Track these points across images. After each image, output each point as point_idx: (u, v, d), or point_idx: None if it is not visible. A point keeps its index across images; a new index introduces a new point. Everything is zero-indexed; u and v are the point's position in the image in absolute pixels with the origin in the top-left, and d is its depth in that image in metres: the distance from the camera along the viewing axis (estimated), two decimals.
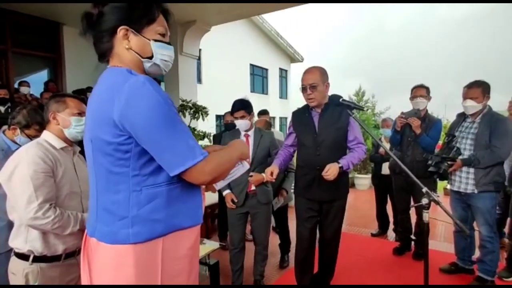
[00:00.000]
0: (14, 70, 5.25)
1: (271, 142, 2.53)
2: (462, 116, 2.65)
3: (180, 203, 0.97)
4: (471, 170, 2.45)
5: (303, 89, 2.11)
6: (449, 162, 2.45)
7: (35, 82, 5.52)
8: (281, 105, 16.39)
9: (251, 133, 2.49)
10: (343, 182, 2.20)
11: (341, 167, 2.00)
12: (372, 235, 3.98)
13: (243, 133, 2.48)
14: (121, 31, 0.94)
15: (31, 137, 1.85)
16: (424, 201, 1.54)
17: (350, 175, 7.46)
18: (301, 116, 2.25)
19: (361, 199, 6.22)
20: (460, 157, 2.46)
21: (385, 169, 3.63)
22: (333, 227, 2.26)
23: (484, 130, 2.43)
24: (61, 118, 1.47)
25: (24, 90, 4.62)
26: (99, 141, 0.90)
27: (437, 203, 1.53)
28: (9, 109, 3.92)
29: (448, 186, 2.96)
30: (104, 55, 0.99)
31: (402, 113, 2.91)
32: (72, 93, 5.09)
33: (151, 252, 0.92)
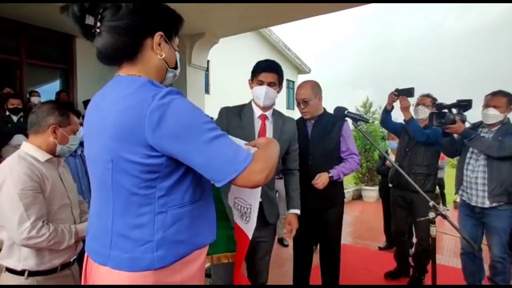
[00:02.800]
0: (27, 80, 5.41)
1: (294, 133, 1.87)
2: (476, 127, 2.48)
3: (201, 221, 0.93)
4: (486, 181, 2.30)
5: (298, 104, 2.21)
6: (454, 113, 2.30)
7: (48, 92, 5.67)
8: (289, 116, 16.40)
9: (269, 114, 1.80)
10: (336, 191, 2.24)
11: (331, 177, 2.06)
12: (380, 248, 3.90)
13: (258, 113, 1.76)
14: (158, 36, 0.87)
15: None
16: (431, 215, 1.51)
17: (357, 187, 7.44)
18: (298, 124, 2.29)
19: (368, 211, 6.14)
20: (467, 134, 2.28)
21: None
22: (331, 237, 2.25)
23: (499, 135, 2.27)
24: (60, 134, 1.38)
25: (35, 99, 4.74)
26: (123, 161, 0.80)
27: (445, 217, 1.50)
28: (21, 119, 4.01)
29: (458, 199, 2.78)
30: (120, 58, 0.87)
31: (396, 89, 2.66)
32: (83, 102, 5.24)
33: (171, 275, 0.87)
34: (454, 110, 2.37)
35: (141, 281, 0.83)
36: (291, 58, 16.02)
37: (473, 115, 2.51)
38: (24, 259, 1.29)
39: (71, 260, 1.44)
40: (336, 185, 2.18)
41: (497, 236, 2.29)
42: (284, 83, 16.82)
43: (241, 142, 1.11)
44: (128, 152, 0.79)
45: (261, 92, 1.68)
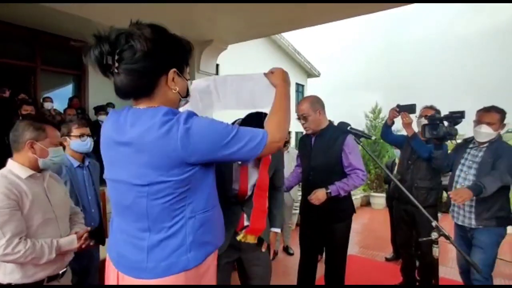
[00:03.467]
0: (41, 86, 5.56)
1: (280, 155, 1.86)
2: (468, 143, 2.38)
3: (218, 224, 1.07)
4: (473, 203, 2.19)
5: (298, 119, 2.23)
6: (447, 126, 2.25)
7: (61, 97, 5.82)
8: (298, 120, 16.34)
9: None
10: (341, 206, 2.18)
11: (329, 193, 2.03)
12: (387, 259, 3.85)
13: None
14: (171, 74, 0.94)
15: (79, 136, 2.02)
16: (434, 235, 1.49)
17: (366, 194, 7.34)
18: (303, 140, 2.37)
19: (377, 219, 6.05)
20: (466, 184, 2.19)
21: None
22: (336, 251, 2.23)
23: (487, 158, 2.17)
24: (39, 148, 1.40)
25: (47, 105, 4.87)
26: (159, 184, 0.90)
27: (448, 238, 1.48)
28: None
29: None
30: (138, 94, 0.94)
31: (398, 105, 2.62)
32: (94, 109, 5.35)
33: (201, 273, 0.99)
34: (446, 123, 2.33)
35: (176, 282, 0.93)
36: (301, 62, 15.99)
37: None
38: (10, 273, 1.33)
39: (60, 272, 1.48)
40: (341, 200, 2.12)
41: (482, 254, 2.15)
42: (293, 87, 16.82)
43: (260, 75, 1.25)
44: (165, 176, 0.89)
45: None
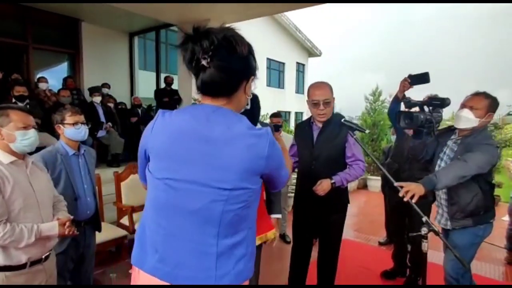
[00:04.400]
0: (34, 65, 5.43)
1: None
2: (451, 131, 2.10)
3: None
4: (445, 202, 2.01)
5: (315, 104, 2.08)
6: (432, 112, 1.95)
7: (55, 76, 5.70)
8: (298, 100, 16.19)
9: None
10: (340, 197, 2.19)
11: (333, 183, 2.03)
12: (380, 243, 3.91)
13: None
14: (251, 80, 1.00)
15: (73, 124, 1.97)
16: (423, 231, 1.49)
17: (362, 176, 7.39)
18: (302, 128, 2.29)
19: (372, 202, 6.13)
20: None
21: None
22: (331, 243, 2.25)
23: (461, 151, 1.90)
24: (5, 133, 1.43)
25: (42, 85, 4.78)
26: (239, 190, 0.90)
27: (437, 234, 1.49)
28: (27, 106, 4.05)
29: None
30: (221, 92, 0.94)
31: (409, 76, 2.17)
32: (89, 90, 5.26)
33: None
34: (426, 108, 2.04)
35: None
36: (302, 40, 15.61)
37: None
38: None
39: (43, 256, 1.52)
40: (340, 191, 2.14)
41: (453, 257, 1.80)
42: (294, 66, 16.57)
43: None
44: (246, 182, 0.91)
45: None
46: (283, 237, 3.99)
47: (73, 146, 2.02)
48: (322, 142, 2.13)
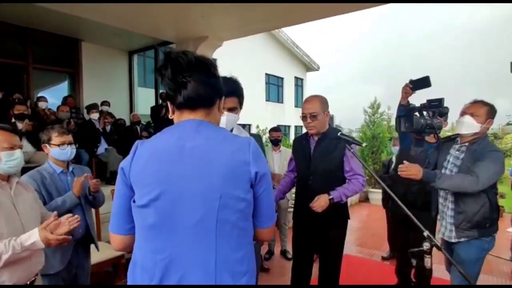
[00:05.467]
0: (34, 85, 5.49)
1: None
2: (452, 140, 2.13)
3: None
4: (451, 213, 1.99)
5: (303, 118, 2.10)
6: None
7: (57, 95, 5.75)
8: (297, 114, 16.17)
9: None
10: (339, 213, 2.14)
11: (331, 199, 1.97)
12: (383, 258, 3.83)
13: None
14: (223, 100, 1.05)
15: (57, 145, 1.96)
16: (426, 245, 1.45)
17: (364, 189, 7.31)
18: (300, 142, 2.26)
19: (374, 215, 6.05)
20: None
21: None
22: (331, 259, 2.19)
23: (467, 162, 1.92)
24: None
25: (42, 105, 4.80)
26: (231, 198, 0.90)
27: (439, 249, 1.44)
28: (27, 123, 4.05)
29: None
30: (203, 102, 0.98)
31: (411, 81, 2.17)
32: (86, 107, 5.28)
33: None
34: (426, 114, 2.01)
35: None
36: (300, 55, 15.85)
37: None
38: None
39: (27, 283, 1.43)
40: (339, 206, 2.08)
41: (462, 267, 1.76)
42: (292, 81, 16.74)
43: None
44: (237, 189, 0.90)
45: (222, 120, 1.49)
46: (284, 253, 3.89)
47: (61, 164, 2.02)
48: (318, 155, 2.10)
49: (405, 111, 2.07)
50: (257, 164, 0.93)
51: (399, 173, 1.84)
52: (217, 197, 0.88)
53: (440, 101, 1.98)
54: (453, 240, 1.97)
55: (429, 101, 2.03)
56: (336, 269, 2.21)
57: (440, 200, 2.08)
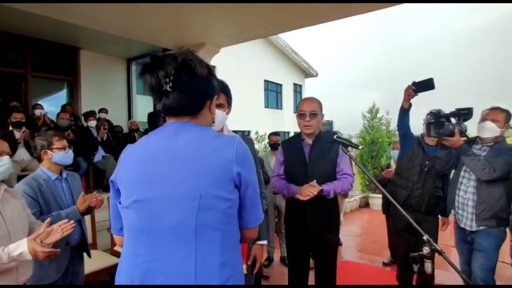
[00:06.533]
0: (32, 93, 5.49)
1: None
2: (471, 142, 2.34)
3: None
4: (473, 203, 2.21)
5: (301, 115, 2.10)
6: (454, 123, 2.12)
7: (54, 103, 5.75)
8: (296, 120, 16.24)
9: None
10: (334, 213, 2.16)
11: (321, 190, 1.95)
12: (384, 264, 3.78)
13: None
14: (214, 99, 1.01)
15: (62, 149, 1.95)
16: (425, 250, 1.41)
17: (364, 195, 7.27)
18: (292, 146, 2.22)
19: (375, 221, 5.99)
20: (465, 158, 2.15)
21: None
22: (327, 261, 2.17)
23: (491, 156, 2.16)
24: None
25: (37, 112, 4.79)
26: (212, 198, 0.86)
27: (440, 253, 1.41)
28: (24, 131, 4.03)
29: (451, 218, 2.54)
30: (185, 113, 0.94)
31: (414, 83, 2.25)
32: (83, 115, 5.27)
33: None
34: (453, 120, 2.20)
35: None
36: (298, 62, 15.93)
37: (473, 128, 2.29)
38: None
39: None
40: (333, 209, 2.14)
41: (483, 257, 2.14)
42: (291, 87, 16.73)
43: None
44: (219, 189, 0.86)
45: (219, 115, 1.49)
46: (283, 260, 3.83)
47: (56, 170, 2.00)
48: (315, 159, 2.09)
49: (434, 118, 2.23)
50: (241, 165, 0.89)
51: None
52: (196, 197, 0.85)
53: (469, 110, 2.17)
54: (473, 229, 2.19)
55: (458, 109, 2.20)
56: (331, 271, 2.19)
57: (460, 193, 2.29)
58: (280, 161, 2.25)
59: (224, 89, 1.64)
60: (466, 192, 2.26)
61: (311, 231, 2.11)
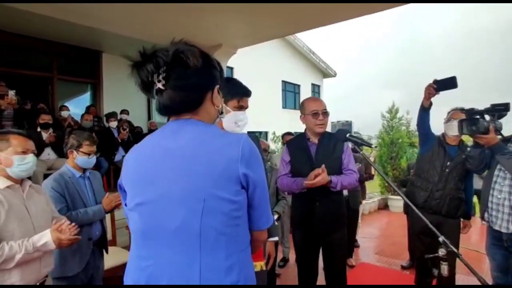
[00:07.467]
0: (58, 95, 5.75)
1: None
2: (507, 141, 2.17)
3: None
4: (509, 203, 2.05)
5: (315, 114, 2.11)
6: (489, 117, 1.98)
7: (79, 105, 5.99)
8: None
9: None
10: (341, 212, 2.17)
11: (330, 181, 1.96)
12: (403, 267, 3.68)
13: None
14: (216, 90, 0.94)
15: (87, 154, 2.02)
16: (441, 251, 1.37)
17: (383, 196, 7.10)
18: (297, 146, 2.23)
19: (394, 223, 5.84)
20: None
21: None
22: (337, 260, 2.17)
23: None
24: (3, 157, 1.43)
25: (64, 113, 5.01)
26: (217, 200, 0.81)
27: (457, 255, 1.36)
28: (50, 133, 4.23)
29: (483, 222, 2.36)
30: (183, 110, 0.90)
31: (435, 81, 2.16)
32: (105, 116, 5.46)
33: None
34: (487, 117, 2.07)
35: None
36: (316, 62, 15.80)
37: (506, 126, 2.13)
38: None
39: (37, 283, 1.46)
40: (340, 207, 2.16)
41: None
42: (309, 88, 16.57)
43: None
44: (224, 190, 0.82)
45: (245, 118, 1.53)
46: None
47: (79, 169, 2.09)
48: (321, 158, 2.09)
49: (467, 115, 2.10)
50: (247, 164, 0.84)
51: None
52: (201, 199, 0.80)
53: (506, 105, 2.02)
54: (510, 231, 2.06)
55: (493, 105, 2.06)
56: (342, 271, 2.19)
57: (495, 193, 2.15)
58: (285, 161, 2.24)
59: (246, 93, 1.63)
60: (501, 191, 2.12)
61: (318, 231, 2.11)
